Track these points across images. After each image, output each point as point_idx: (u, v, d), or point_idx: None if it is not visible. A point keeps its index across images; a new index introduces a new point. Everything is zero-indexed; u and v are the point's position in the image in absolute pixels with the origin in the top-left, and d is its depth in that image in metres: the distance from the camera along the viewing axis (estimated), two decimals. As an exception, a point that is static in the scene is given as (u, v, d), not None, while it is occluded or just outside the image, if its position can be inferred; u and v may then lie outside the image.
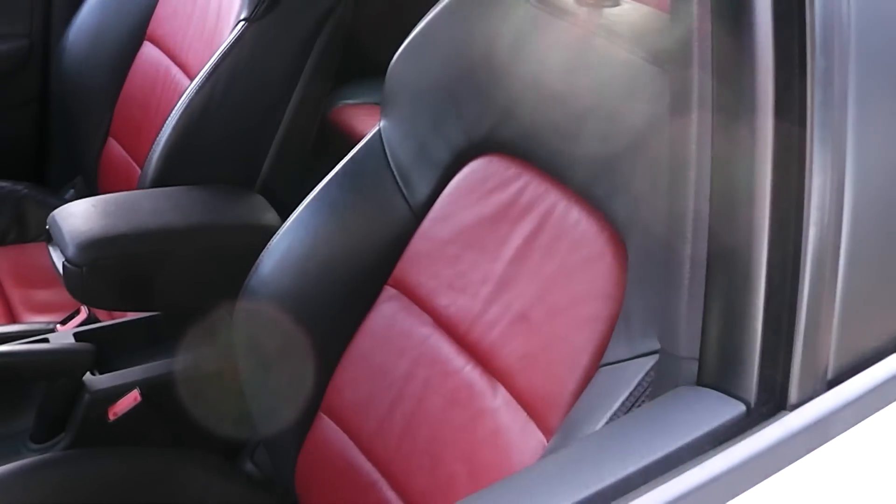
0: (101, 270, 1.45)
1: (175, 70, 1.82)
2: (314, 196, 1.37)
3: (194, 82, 1.63)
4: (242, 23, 1.63)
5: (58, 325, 1.62)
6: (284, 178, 1.68)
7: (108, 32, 2.00)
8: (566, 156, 1.16)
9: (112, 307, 1.57)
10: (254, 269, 1.37)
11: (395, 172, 1.33)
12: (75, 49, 2.05)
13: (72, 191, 2.14)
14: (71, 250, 1.43)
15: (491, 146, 1.25)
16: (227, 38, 1.63)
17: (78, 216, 1.49)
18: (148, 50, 1.93)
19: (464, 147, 1.27)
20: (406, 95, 1.34)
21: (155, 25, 1.93)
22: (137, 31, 1.95)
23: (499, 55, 1.24)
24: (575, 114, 1.15)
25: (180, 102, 1.64)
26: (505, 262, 1.20)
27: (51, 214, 1.52)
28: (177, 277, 1.53)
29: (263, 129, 1.64)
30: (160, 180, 1.62)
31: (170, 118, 1.64)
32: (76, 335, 1.58)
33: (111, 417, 1.48)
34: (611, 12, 1.15)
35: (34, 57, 2.20)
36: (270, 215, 1.57)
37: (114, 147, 1.97)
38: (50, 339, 1.57)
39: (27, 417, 1.53)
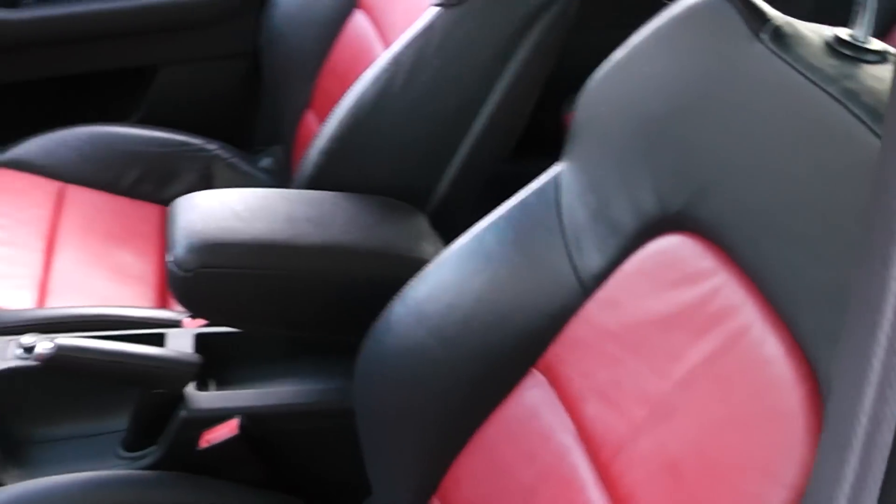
0: (209, 279, 1.24)
1: (379, 48, 1.57)
2: (469, 238, 1.12)
3: (370, 70, 1.38)
4: (436, 8, 1.36)
5: (184, 320, 1.44)
6: (465, 196, 1.41)
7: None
8: (780, 262, 0.83)
9: (215, 320, 1.36)
10: (387, 309, 1.14)
11: (567, 231, 1.04)
12: (288, 3, 1.86)
13: (268, 159, 1.97)
14: (179, 250, 1.23)
15: (687, 223, 0.93)
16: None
17: (198, 211, 1.28)
18: (358, 19, 1.69)
19: (653, 216, 0.96)
20: (596, 135, 1.05)
21: (369, -13, 1.69)
22: (352, -9, 1.72)
23: (712, 103, 0.93)
24: (803, 207, 0.83)
25: (353, 91, 1.39)
26: (671, 382, 0.89)
27: (174, 202, 1.32)
28: (299, 301, 1.30)
29: (446, 134, 1.37)
30: (315, 179, 1.39)
31: (339, 107, 1.40)
32: (197, 336, 1.40)
33: (203, 444, 1.29)
34: (871, 72, 0.81)
35: (249, 7, 2.02)
36: (428, 246, 1.31)
37: (311, 121, 1.75)
38: (167, 337, 1.40)
39: (124, 416, 1.38)
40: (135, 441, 1.37)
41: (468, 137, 1.37)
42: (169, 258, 1.24)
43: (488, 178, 1.42)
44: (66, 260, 1.69)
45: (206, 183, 1.92)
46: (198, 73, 2.15)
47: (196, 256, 1.23)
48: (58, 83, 2.14)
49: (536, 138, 1.45)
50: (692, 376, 0.88)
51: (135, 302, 1.57)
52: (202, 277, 1.23)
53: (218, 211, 1.28)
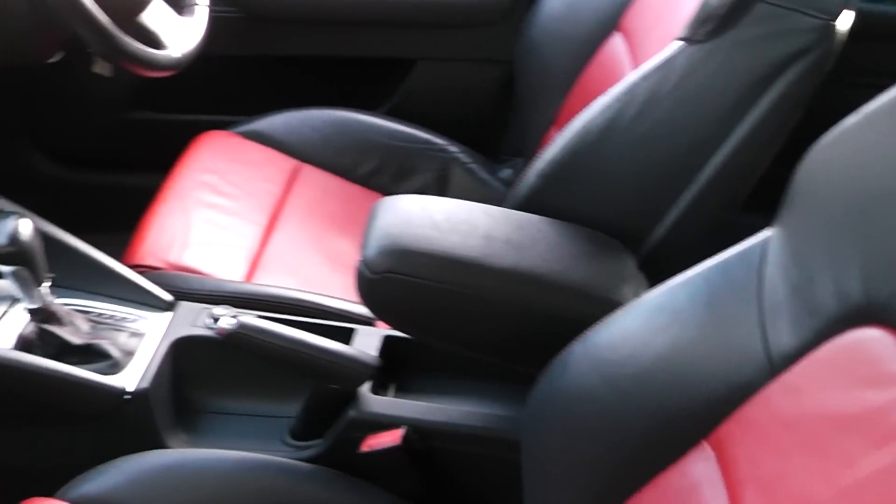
0: (394, 284, 1.20)
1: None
2: (662, 291, 1.04)
3: (603, 98, 1.31)
4: (680, 42, 1.27)
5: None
6: (681, 244, 1.31)
7: (584, 4, 1.72)
8: None
9: (393, 326, 1.33)
10: (565, 350, 1.08)
11: (765, 303, 0.94)
12: (549, 15, 1.81)
13: (508, 171, 1.93)
14: (370, 252, 1.20)
15: (893, 317, 0.82)
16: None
17: (398, 214, 1.25)
18: (615, 42, 1.62)
19: (856, 304, 0.85)
20: (810, 205, 0.94)
21: (630, 14, 1.61)
22: (613, 13, 1.64)
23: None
24: None
25: (582, 117, 1.32)
26: (836, 489, 0.80)
27: (379, 200, 1.29)
28: (479, 322, 1.25)
29: (672, 176, 1.28)
30: (526, 201, 1.33)
31: (565, 131, 1.33)
32: (386, 338, 1.39)
33: (364, 448, 1.26)
34: None
35: (511, 15, 1.99)
36: (630, 290, 1.22)
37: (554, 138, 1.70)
38: (356, 333, 1.40)
39: (296, 403, 1.39)
40: (302, 431, 1.36)
41: (695, 183, 1.28)
42: (359, 257, 1.22)
43: (710, 227, 1.32)
44: (283, 238, 1.70)
45: (441, 184, 1.90)
46: (453, 73, 2.13)
47: (385, 260, 1.20)
48: (312, 63, 2.18)
49: (770, 192, 1.35)
50: (861, 488, 0.77)
51: (340, 292, 1.55)
52: (388, 282, 1.20)
53: (417, 217, 1.24)
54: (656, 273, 1.21)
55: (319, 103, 1.95)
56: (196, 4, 1.70)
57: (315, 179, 1.86)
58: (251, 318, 1.30)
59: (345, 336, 1.39)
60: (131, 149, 2.27)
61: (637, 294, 1.18)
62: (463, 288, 1.21)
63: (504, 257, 1.22)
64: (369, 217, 1.26)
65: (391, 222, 1.24)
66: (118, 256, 1.57)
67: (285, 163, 1.87)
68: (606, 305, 1.11)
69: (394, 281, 1.20)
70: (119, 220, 1.73)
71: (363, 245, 1.22)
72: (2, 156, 2.23)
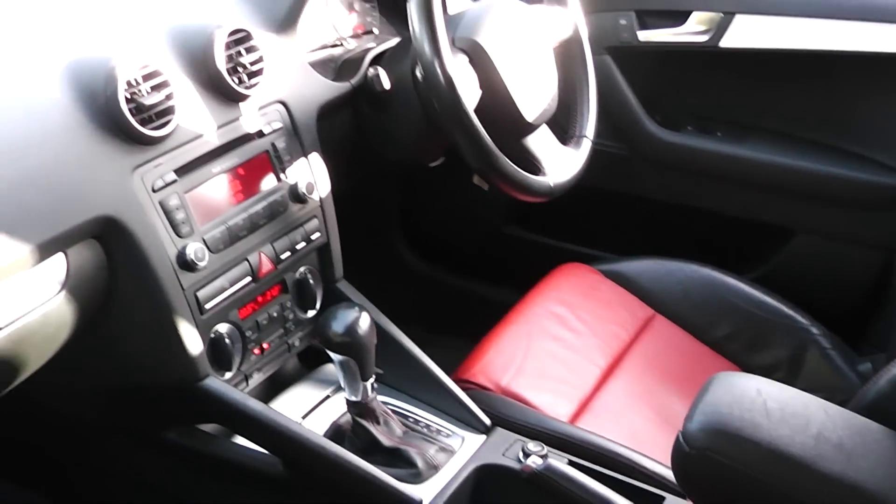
0: (709, 463, 1.13)
1: None
2: None
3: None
4: None
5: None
6: None
7: None
8: None
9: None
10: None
11: None
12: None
13: (868, 365, 1.80)
14: (692, 425, 1.14)
15: None
16: None
17: (730, 392, 1.17)
18: None
19: None
20: None
21: None
22: None
23: None
24: None
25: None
26: None
27: (716, 374, 1.23)
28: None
29: None
30: (872, 406, 1.22)
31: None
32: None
33: None
34: None
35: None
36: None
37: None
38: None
39: None
40: None
41: None
42: (681, 427, 1.17)
43: None
44: (619, 385, 1.68)
45: (794, 364, 1.81)
46: (832, 252, 2.03)
47: (706, 438, 1.13)
48: (688, 212, 2.15)
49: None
50: None
51: (661, 453, 1.50)
52: (704, 460, 1.14)
53: (750, 400, 1.17)
54: None
55: (685, 253, 1.92)
56: (584, 137, 1.72)
57: (665, 331, 1.83)
58: (561, 462, 1.28)
59: (653, 502, 1.34)
60: (493, 261, 2.34)
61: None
62: (780, 484, 1.13)
63: (832, 462, 1.13)
64: (702, 388, 1.20)
65: (722, 400, 1.17)
66: (450, 360, 1.60)
67: (640, 309, 1.85)
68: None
69: (710, 460, 1.14)
70: (461, 325, 1.77)
71: (687, 416, 1.17)
72: (378, 243, 2.37)
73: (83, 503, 1.66)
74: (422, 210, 2.38)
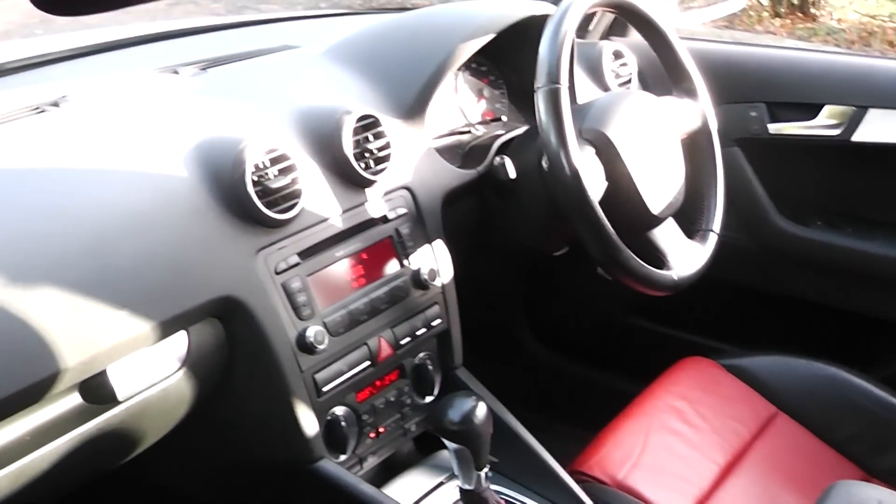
0: None
1: None
2: None
3: None
4: None
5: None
6: None
7: None
8: None
9: None
10: None
11: None
12: None
13: None
14: None
15: None
16: None
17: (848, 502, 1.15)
18: None
19: None
20: None
21: None
22: None
23: None
24: None
25: None
26: None
27: (835, 482, 1.20)
28: None
29: None
30: None
31: None
32: None
33: None
34: None
35: None
36: None
37: None
38: None
39: None
40: None
41: None
42: None
43: None
44: (737, 484, 1.64)
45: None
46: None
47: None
48: (814, 308, 2.10)
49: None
50: None
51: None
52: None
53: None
54: None
55: (810, 349, 1.87)
56: (710, 231, 1.70)
57: (788, 431, 1.78)
58: None
59: None
60: (614, 350, 2.31)
61: None
62: None
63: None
64: (821, 496, 1.18)
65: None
66: (568, 449, 1.59)
67: (762, 407, 1.81)
68: None
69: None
70: (580, 413, 1.75)
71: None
72: (499, 328, 2.36)
73: None
74: (544, 297, 2.38)
